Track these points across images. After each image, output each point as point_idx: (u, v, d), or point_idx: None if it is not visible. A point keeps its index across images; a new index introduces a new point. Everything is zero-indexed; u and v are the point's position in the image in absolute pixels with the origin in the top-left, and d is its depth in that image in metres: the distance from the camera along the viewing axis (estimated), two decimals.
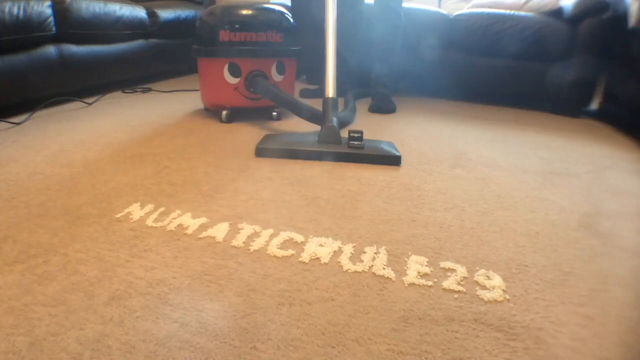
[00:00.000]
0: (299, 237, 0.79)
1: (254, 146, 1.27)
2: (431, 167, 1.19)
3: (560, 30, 1.96)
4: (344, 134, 1.28)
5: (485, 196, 1.02)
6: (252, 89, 1.52)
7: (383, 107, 1.89)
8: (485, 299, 0.64)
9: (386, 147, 1.26)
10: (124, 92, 2.09)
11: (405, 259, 0.74)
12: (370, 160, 1.21)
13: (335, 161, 1.21)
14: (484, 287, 0.67)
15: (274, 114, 1.62)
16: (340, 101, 1.99)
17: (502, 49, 2.05)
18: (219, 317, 0.58)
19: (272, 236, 0.79)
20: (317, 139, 1.27)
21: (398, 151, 1.24)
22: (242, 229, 0.81)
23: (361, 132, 1.23)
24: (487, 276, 0.69)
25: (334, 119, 1.29)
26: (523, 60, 2.05)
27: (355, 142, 1.22)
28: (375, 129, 1.58)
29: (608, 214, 0.95)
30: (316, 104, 1.45)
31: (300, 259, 0.72)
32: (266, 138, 1.30)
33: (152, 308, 0.59)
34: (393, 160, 1.21)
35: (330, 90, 1.34)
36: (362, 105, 1.94)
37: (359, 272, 0.70)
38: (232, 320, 0.57)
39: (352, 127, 1.59)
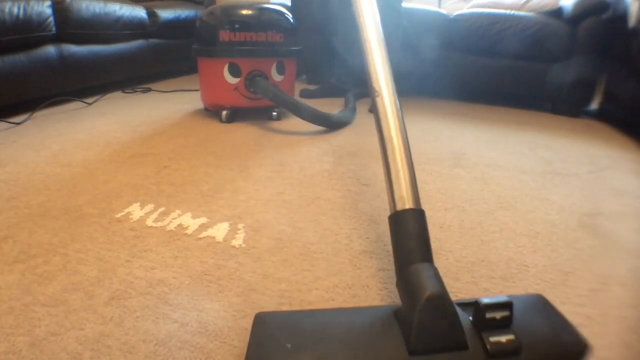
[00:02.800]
0: (298, 237, 0.79)
1: (254, 146, 1.27)
2: (431, 167, 1.19)
3: (560, 30, 1.96)
4: (342, 133, 1.26)
5: (485, 196, 1.02)
6: (252, 89, 1.52)
7: None
8: None
9: (551, 329, 0.52)
10: (124, 92, 2.09)
11: None
12: None
13: None
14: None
15: (274, 114, 1.62)
16: (340, 101, 2.00)
17: (502, 49, 2.05)
18: (219, 317, 0.58)
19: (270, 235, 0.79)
20: (401, 339, 0.47)
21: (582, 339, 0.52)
22: (240, 229, 0.81)
23: (509, 307, 0.48)
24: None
25: (432, 268, 0.53)
26: (523, 60, 2.06)
27: (501, 343, 0.46)
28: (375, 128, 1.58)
29: (608, 214, 0.95)
30: (316, 104, 1.46)
31: (300, 258, 0.72)
32: (261, 338, 0.48)
33: (152, 308, 0.59)
34: None
35: (410, 200, 0.59)
36: (363, 106, 1.94)
37: (358, 272, 0.70)
38: (232, 320, 0.57)
39: (353, 127, 1.58)
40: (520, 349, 0.45)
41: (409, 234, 0.55)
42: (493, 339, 0.46)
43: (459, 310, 0.48)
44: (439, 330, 0.46)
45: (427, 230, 0.56)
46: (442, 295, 0.47)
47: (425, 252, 0.53)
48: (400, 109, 0.69)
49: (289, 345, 0.45)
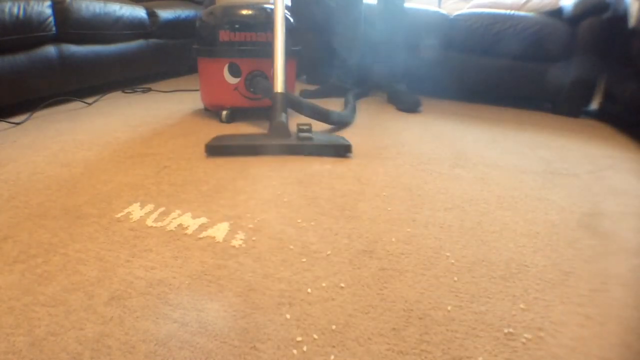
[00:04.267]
0: (297, 235, 0.79)
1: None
2: (431, 167, 1.19)
3: (560, 30, 1.96)
4: (342, 133, 1.29)
5: (485, 196, 1.02)
6: (252, 89, 1.52)
7: (411, 105, 1.90)
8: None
9: (335, 139, 1.31)
10: (124, 92, 2.09)
11: (405, 258, 0.74)
12: (318, 151, 1.23)
13: (285, 154, 1.22)
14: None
15: None
16: (341, 101, 2.00)
17: (502, 49, 2.05)
18: (219, 317, 0.58)
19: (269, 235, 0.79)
20: (266, 134, 1.30)
21: (348, 141, 1.27)
22: (240, 229, 0.81)
23: (309, 125, 1.28)
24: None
25: (283, 115, 1.30)
26: (523, 60, 2.05)
27: (304, 134, 1.25)
28: (375, 128, 1.58)
29: (608, 214, 0.95)
30: (316, 104, 1.45)
31: (300, 258, 0.72)
32: (217, 138, 1.28)
33: (152, 308, 0.59)
34: (342, 150, 1.24)
35: (279, 85, 1.33)
36: (364, 106, 1.93)
37: (358, 272, 0.70)
38: (232, 320, 0.57)
39: (352, 128, 1.59)
40: (310, 130, 1.27)
41: (278, 102, 1.31)
42: (300, 129, 1.26)
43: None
44: (279, 129, 1.28)
45: (286, 101, 1.32)
46: (282, 121, 1.28)
47: (284, 109, 1.31)
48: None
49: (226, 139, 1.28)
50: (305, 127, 1.26)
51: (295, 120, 1.59)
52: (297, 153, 1.23)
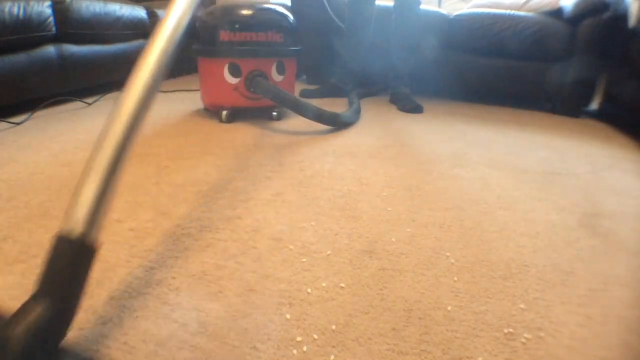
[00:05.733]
0: (296, 235, 0.79)
1: (254, 146, 1.27)
2: (431, 167, 1.19)
3: (560, 30, 1.96)
4: (342, 134, 1.25)
5: (485, 196, 1.02)
6: (252, 89, 1.52)
7: (414, 107, 1.91)
8: None
9: None
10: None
11: (405, 258, 0.74)
12: None
13: None
14: None
15: (274, 114, 1.62)
16: (342, 101, 2.00)
17: (502, 49, 2.05)
18: (219, 317, 0.58)
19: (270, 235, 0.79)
20: None
21: None
22: (241, 229, 0.81)
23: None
24: None
25: (47, 308, 0.44)
26: (523, 60, 2.06)
27: None
28: (375, 128, 1.58)
29: (608, 214, 0.95)
30: (317, 104, 1.45)
31: (300, 258, 0.72)
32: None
33: (151, 308, 0.59)
34: None
35: (79, 217, 0.48)
36: (364, 106, 1.94)
37: (358, 272, 0.70)
38: (232, 320, 0.57)
39: (354, 128, 1.59)
40: None
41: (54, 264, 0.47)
42: None
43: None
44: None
45: (81, 266, 0.48)
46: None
47: (50, 288, 0.46)
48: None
49: None
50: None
51: (295, 123, 1.59)
52: None
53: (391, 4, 2.00)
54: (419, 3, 1.96)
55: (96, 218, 0.48)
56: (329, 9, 2.17)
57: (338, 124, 1.52)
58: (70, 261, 0.47)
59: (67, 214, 0.47)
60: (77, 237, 0.46)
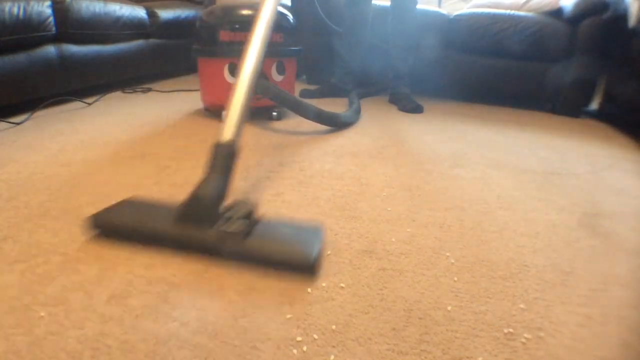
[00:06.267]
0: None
1: (254, 146, 1.27)
2: (431, 167, 1.19)
3: (560, 30, 1.97)
4: (342, 133, 1.26)
5: (485, 196, 1.02)
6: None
7: (415, 107, 1.91)
8: None
9: (295, 239, 0.71)
10: (124, 92, 2.09)
11: (405, 258, 0.74)
12: (248, 259, 0.69)
13: (192, 250, 0.72)
14: None
15: (274, 114, 1.62)
16: (342, 101, 2.00)
17: (502, 49, 2.05)
18: (219, 316, 0.58)
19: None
20: (177, 213, 0.74)
21: (314, 248, 0.67)
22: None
23: (250, 209, 0.72)
24: None
25: (217, 180, 0.75)
26: (523, 60, 2.06)
27: (232, 230, 0.67)
28: (375, 128, 1.58)
29: (608, 214, 0.95)
30: (317, 104, 1.45)
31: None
32: (120, 205, 0.81)
33: (152, 307, 0.59)
34: (296, 267, 0.67)
35: (228, 132, 0.80)
36: (364, 106, 1.94)
37: (358, 272, 0.70)
38: (232, 320, 0.57)
39: (355, 128, 1.59)
40: (251, 220, 0.72)
41: (217, 156, 0.79)
42: (227, 217, 0.71)
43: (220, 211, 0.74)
44: (195, 211, 0.73)
45: (233, 157, 0.80)
46: (204, 195, 0.73)
47: (222, 169, 0.77)
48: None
49: (122, 211, 0.79)
50: (241, 210, 0.71)
51: (295, 123, 1.59)
52: (213, 254, 0.70)
53: (388, 3, 2.00)
54: (416, 3, 1.96)
55: (239, 131, 0.82)
56: (321, 13, 2.17)
57: (338, 124, 1.52)
58: (226, 155, 0.78)
59: (222, 130, 0.81)
60: (229, 142, 0.80)
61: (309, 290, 0.64)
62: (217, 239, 0.68)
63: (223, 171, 0.76)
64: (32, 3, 1.52)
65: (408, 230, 0.84)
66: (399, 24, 1.98)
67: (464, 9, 2.32)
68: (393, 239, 0.80)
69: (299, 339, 0.55)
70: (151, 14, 2.27)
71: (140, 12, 2.18)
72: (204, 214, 0.71)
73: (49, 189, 0.96)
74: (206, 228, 0.70)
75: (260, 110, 1.63)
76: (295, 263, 0.67)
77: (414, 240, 0.80)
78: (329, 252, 0.75)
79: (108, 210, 0.78)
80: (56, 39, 1.68)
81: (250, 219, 0.71)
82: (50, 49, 1.65)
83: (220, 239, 0.68)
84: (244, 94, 0.84)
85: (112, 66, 2.03)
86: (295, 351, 0.53)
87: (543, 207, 0.97)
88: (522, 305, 0.63)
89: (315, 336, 0.55)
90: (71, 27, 1.72)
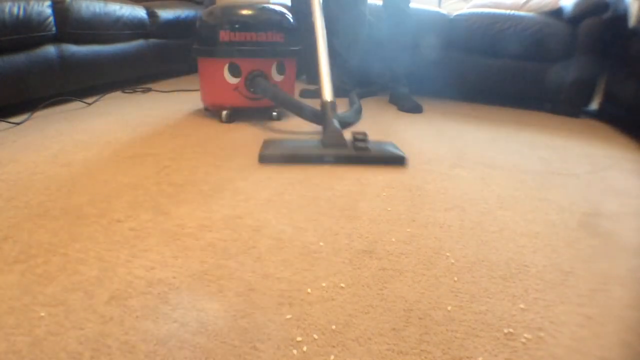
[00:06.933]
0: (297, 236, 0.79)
1: (255, 146, 1.27)
2: (431, 167, 1.19)
3: (560, 30, 1.96)
4: (348, 135, 1.28)
5: (485, 196, 1.02)
6: (252, 89, 1.52)
7: (414, 107, 1.91)
8: None
9: (390, 148, 1.26)
10: (124, 92, 2.09)
11: (405, 258, 0.74)
12: (375, 161, 1.20)
13: (342, 163, 1.18)
14: None
15: (274, 114, 1.62)
16: (341, 101, 2.00)
17: (502, 49, 2.05)
18: (219, 316, 0.58)
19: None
20: (320, 142, 1.26)
21: (401, 151, 1.24)
22: (241, 229, 0.81)
23: (365, 134, 1.22)
24: None
25: (335, 122, 1.30)
26: (523, 60, 2.05)
27: (360, 144, 1.20)
28: (376, 128, 1.58)
29: (608, 214, 0.95)
30: (316, 104, 1.45)
31: (301, 258, 0.72)
32: (268, 144, 1.26)
33: (152, 308, 0.59)
34: (398, 161, 1.21)
35: (328, 94, 1.35)
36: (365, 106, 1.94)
37: (358, 272, 0.70)
38: (232, 320, 0.57)
39: (355, 128, 1.59)
40: (367, 140, 1.23)
41: (328, 110, 1.34)
42: (358, 144, 1.22)
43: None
44: (334, 138, 1.25)
45: (335, 109, 1.37)
46: (337, 129, 1.28)
47: (334, 116, 1.34)
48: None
49: (277, 145, 1.27)
50: (360, 137, 1.21)
51: (295, 123, 1.59)
52: (354, 163, 1.18)
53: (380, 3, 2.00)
54: (409, 2, 1.95)
55: (331, 89, 1.38)
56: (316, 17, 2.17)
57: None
58: (333, 109, 1.36)
59: (323, 91, 1.37)
60: (332, 101, 1.36)
61: (309, 290, 0.64)
62: (355, 153, 1.20)
63: (334, 117, 1.33)
64: (32, 3, 1.52)
65: (408, 230, 0.84)
66: (393, 25, 1.98)
67: (464, 9, 2.31)
68: (393, 239, 0.80)
69: (299, 339, 0.55)
70: (151, 14, 2.27)
71: (140, 12, 2.17)
72: (340, 139, 1.25)
73: (49, 189, 0.96)
74: (344, 147, 1.22)
75: (260, 110, 1.63)
76: (396, 158, 1.22)
77: (414, 240, 0.80)
78: (329, 252, 0.75)
79: (266, 148, 1.22)
80: (56, 39, 1.67)
81: (364, 139, 1.22)
82: (50, 49, 1.65)
83: (358, 149, 1.21)
84: (326, 64, 1.40)
85: (112, 66, 2.03)
86: (295, 351, 0.53)
87: (543, 207, 0.97)
88: (522, 305, 0.63)
89: (315, 336, 0.55)
90: (71, 27, 1.71)
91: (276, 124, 1.59)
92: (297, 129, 1.52)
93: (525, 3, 2.21)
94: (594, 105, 2.14)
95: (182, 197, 0.94)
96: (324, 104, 1.34)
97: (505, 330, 0.58)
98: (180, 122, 1.57)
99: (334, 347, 0.54)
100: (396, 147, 1.28)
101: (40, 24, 1.56)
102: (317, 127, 1.50)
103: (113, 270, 0.67)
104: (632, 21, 1.74)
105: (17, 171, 1.05)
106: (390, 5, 1.95)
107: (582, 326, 0.59)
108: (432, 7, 2.38)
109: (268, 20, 1.52)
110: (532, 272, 0.72)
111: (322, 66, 1.38)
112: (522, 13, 2.09)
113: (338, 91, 2.11)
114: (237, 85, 1.52)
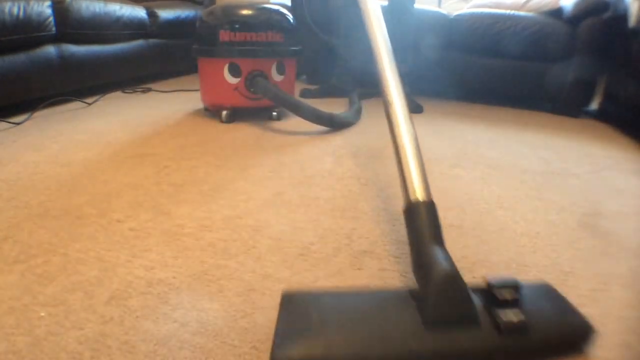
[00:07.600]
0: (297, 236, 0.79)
1: (254, 146, 1.27)
2: (431, 167, 1.19)
3: (560, 30, 1.96)
4: (342, 133, 1.26)
5: (485, 196, 1.02)
6: (252, 89, 1.52)
7: (414, 107, 1.91)
8: None
9: (557, 311, 0.56)
10: (124, 92, 2.09)
11: (406, 258, 0.74)
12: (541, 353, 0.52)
13: None
14: None
15: (274, 114, 1.62)
16: (341, 101, 2.00)
17: (502, 49, 2.05)
18: (219, 316, 0.58)
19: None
20: (417, 310, 0.52)
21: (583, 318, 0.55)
22: (241, 229, 0.81)
23: (515, 284, 0.53)
24: None
25: (441, 250, 0.57)
26: (523, 60, 2.06)
27: (509, 316, 0.49)
28: (375, 127, 1.58)
29: (608, 214, 0.95)
30: (317, 104, 1.46)
31: (300, 258, 0.72)
32: (292, 315, 0.53)
33: (152, 308, 0.59)
34: (577, 345, 0.54)
35: (419, 188, 0.65)
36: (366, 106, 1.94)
37: (358, 272, 0.70)
38: (232, 320, 0.57)
39: (359, 134, 1.58)
40: (529, 329, 0.49)
41: (422, 222, 0.60)
42: (505, 317, 0.49)
43: (470, 290, 0.52)
44: (453, 306, 0.50)
45: (438, 219, 0.61)
46: (455, 275, 0.52)
47: (438, 238, 0.59)
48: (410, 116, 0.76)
49: (315, 320, 0.50)
50: (509, 299, 0.51)
51: (295, 123, 1.59)
52: None
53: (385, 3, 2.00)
54: (413, 2, 1.95)
55: (424, 182, 0.65)
56: (310, 21, 2.17)
57: (336, 124, 1.51)
58: (434, 218, 0.61)
59: (406, 189, 0.66)
60: (425, 200, 0.63)
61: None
62: (500, 335, 0.48)
63: (440, 240, 0.59)
64: (32, 3, 1.52)
65: None
66: (397, 25, 1.98)
67: (464, 9, 2.32)
68: (393, 239, 0.80)
69: None
70: (151, 14, 2.27)
71: (140, 12, 2.18)
72: (464, 305, 0.50)
73: (49, 189, 0.96)
74: (472, 326, 0.49)
75: (260, 110, 1.63)
76: (578, 340, 0.54)
77: None
78: (329, 252, 0.75)
79: (291, 330, 0.50)
80: (56, 39, 1.68)
81: (515, 301, 0.51)
82: (50, 49, 1.65)
83: (507, 331, 0.48)
84: (416, 150, 0.69)
85: (112, 66, 2.03)
86: None
87: (543, 207, 0.97)
88: None
89: None
90: (71, 27, 1.72)
91: (276, 124, 1.59)
92: (297, 129, 1.52)
93: (525, 3, 2.21)
94: (594, 105, 2.14)
95: (182, 197, 0.94)
96: (410, 208, 0.64)
97: None
98: (180, 122, 1.57)
99: None
100: (566, 309, 0.57)
101: (40, 24, 1.56)
102: (319, 127, 1.50)
103: (113, 271, 0.67)
104: (632, 21, 1.74)
105: (17, 171, 1.05)
106: (396, 4, 1.95)
107: None
108: (433, 7, 2.38)
109: (268, 20, 1.53)
110: (532, 272, 0.72)
111: (406, 155, 0.70)
112: (522, 13, 2.09)
113: (338, 91, 2.12)
114: (237, 85, 1.52)
